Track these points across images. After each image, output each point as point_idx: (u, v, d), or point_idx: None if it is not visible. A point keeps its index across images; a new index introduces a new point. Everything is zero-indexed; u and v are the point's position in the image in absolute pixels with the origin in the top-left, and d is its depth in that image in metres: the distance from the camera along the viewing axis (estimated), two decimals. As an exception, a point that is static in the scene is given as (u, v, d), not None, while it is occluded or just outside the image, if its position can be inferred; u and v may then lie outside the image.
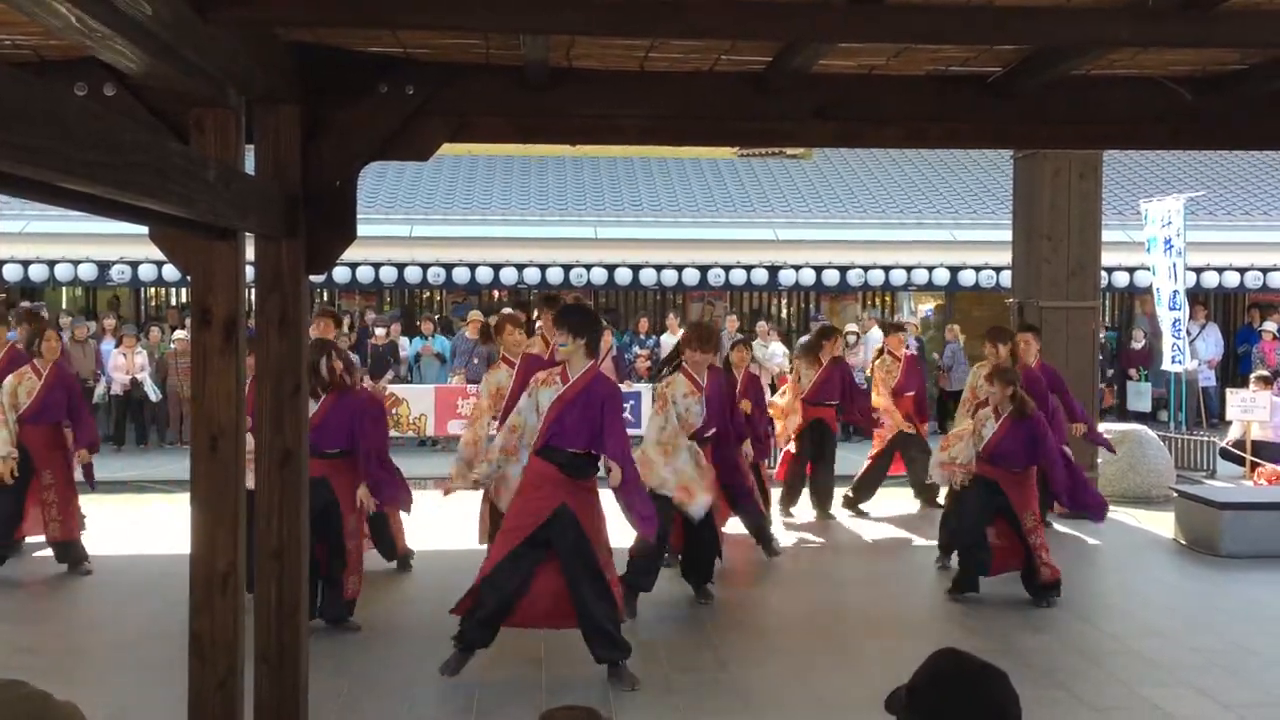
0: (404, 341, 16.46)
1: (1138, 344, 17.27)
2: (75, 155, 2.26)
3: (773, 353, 15.66)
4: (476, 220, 18.79)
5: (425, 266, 17.11)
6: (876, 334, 15.75)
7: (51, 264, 16.43)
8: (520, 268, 17.14)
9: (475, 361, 15.01)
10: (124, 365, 14.99)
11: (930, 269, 17.53)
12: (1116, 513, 10.40)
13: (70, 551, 8.14)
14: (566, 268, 17.20)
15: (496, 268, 17.13)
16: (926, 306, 20.32)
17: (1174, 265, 12.78)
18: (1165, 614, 7.40)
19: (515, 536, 5.74)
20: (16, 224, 16.65)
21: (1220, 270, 17.51)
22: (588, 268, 17.23)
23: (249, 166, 4.14)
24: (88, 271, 16.56)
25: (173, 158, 2.87)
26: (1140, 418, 15.70)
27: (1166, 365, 13.51)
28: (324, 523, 6.55)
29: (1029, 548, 7.39)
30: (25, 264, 16.30)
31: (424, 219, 18.58)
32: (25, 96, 2.03)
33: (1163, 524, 9.81)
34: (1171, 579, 8.43)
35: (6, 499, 7.91)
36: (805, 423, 10.02)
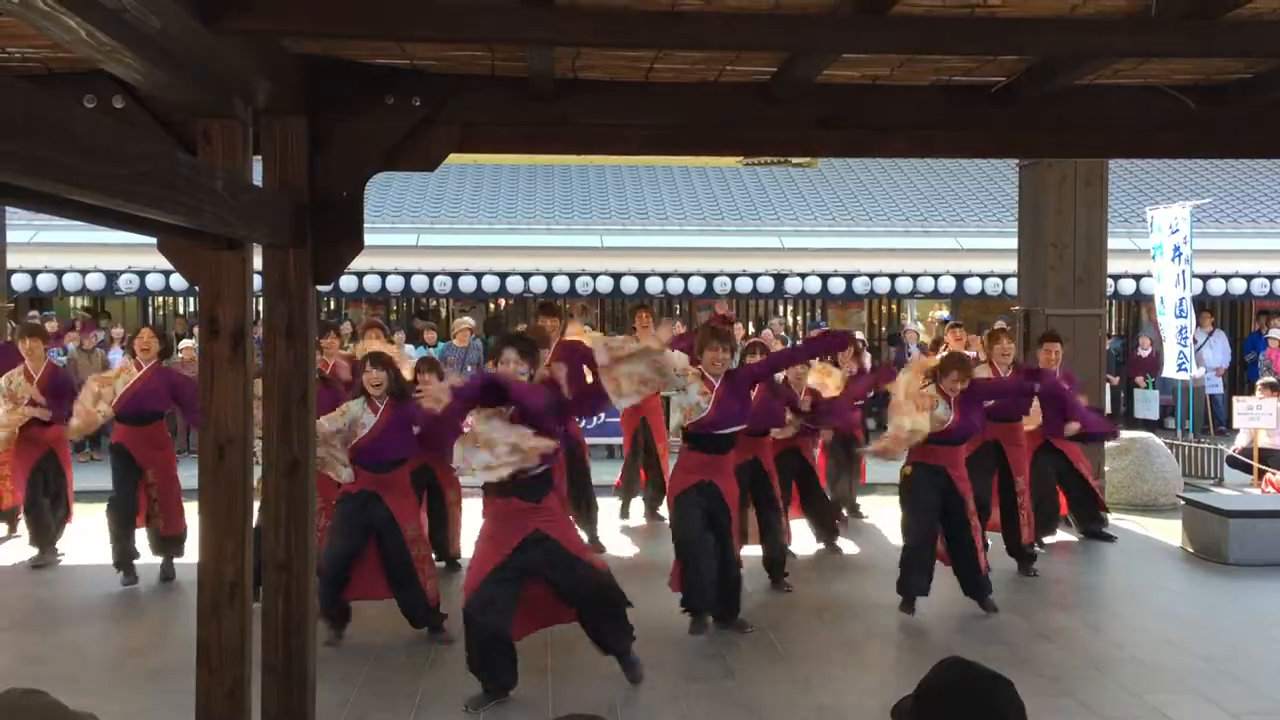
0: (409, 349, 16.48)
1: (1144, 351, 17.24)
2: (83, 167, 2.28)
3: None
4: (483, 229, 18.82)
5: (432, 275, 17.15)
6: None
7: (59, 274, 16.47)
8: (526, 276, 17.17)
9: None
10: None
11: (936, 277, 17.53)
12: (1124, 520, 10.39)
13: (173, 546, 8.25)
14: (572, 276, 17.23)
15: (503, 276, 17.17)
16: (942, 313, 20.29)
17: (1182, 273, 12.77)
18: (1172, 622, 7.38)
19: (487, 565, 5.64)
20: (25, 234, 16.69)
21: (1227, 277, 17.48)
22: (594, 276, 17.26)
23: (256, 178, 4.16)
24: (95, 281, 16.60)
25: (180, 169, 2.89)
26: (1148, 425, 15.66)
27: (1170, 373, 13.49)
28: (383, 539, 6.61)
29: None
30: (33, 274, 16.35)
31: (430, 228, 18.62)
32: (33, 109, 2.05)
33: (1170, 532, 9.79)
34: (1179, 587, 8.41)
35: (125, 509, 8.04)
36: None
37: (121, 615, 7.53)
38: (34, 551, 8.69)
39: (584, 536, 8.41)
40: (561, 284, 17.20)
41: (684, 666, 6.31)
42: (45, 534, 8.70)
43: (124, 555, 8.00)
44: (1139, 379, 17.13)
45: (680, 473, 6.94)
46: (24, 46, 4.07)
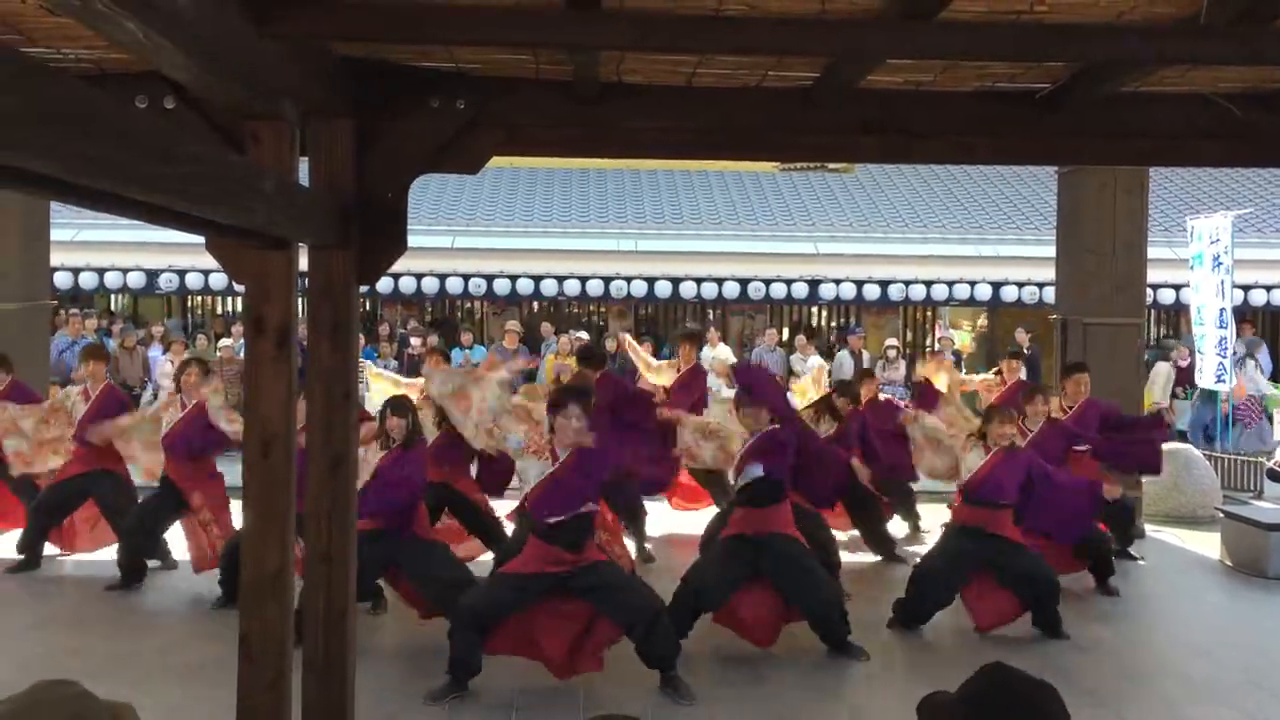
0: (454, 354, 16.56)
1: (1184, 362, 17.05)
2: (138, 166, 2.31)
3: (811, 365, 15.64)
4: (518, 232, 18.91)
5: (466, 278, 17.27)
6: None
7: (101, 272, 16.72)
8: (560, 279, 17.24)
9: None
10: (172, 372, 15.16)
11: (972, 284, 17.44)
12: (1161, 533, 10.29)
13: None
14: (606, 280, 17.28)
15: (537, 279, 17.25)
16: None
17: (1223, 282, 12.63)
18: (1210, 635, 7.31)
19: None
20: (68, 232, 16.92)
21: (1269, 288, 17.29)
22: (628, 280, 17.31)
23: (303, 178, 4.21)
24: (136, 279, 16.84)
25: (233, 169, 2.94)
26: (1186, 436, 15.49)
27: (1208, 384, 13.35)
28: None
29: None
30: (75, 272, 16.59)
31: (465, 230, 18.74)
32: (90, 108, 2.09)
33: (1208, 545, 9.68)
34: (1217, 600, 8.33)
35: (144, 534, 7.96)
36: None
37: (163, 608, 7.61)
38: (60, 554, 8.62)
39: (631, 547, 8.37)
40: (595, 288, 17.26)
41: (712, 671, 6.32)
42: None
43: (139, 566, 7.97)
44: (1178, 389, 16.93)
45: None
46: (79, 48, 4.14)
